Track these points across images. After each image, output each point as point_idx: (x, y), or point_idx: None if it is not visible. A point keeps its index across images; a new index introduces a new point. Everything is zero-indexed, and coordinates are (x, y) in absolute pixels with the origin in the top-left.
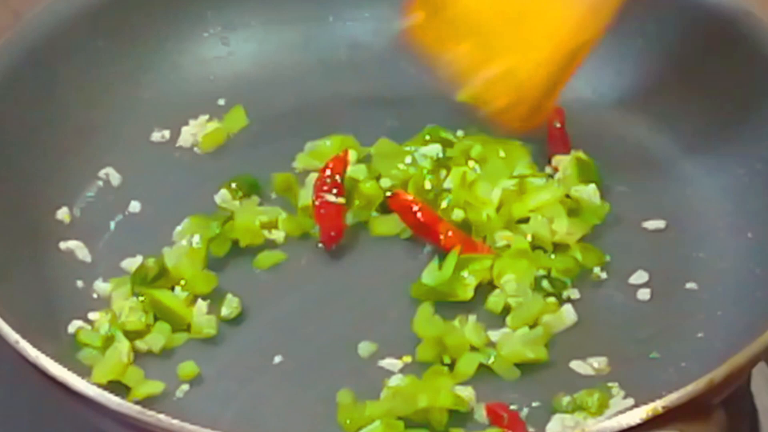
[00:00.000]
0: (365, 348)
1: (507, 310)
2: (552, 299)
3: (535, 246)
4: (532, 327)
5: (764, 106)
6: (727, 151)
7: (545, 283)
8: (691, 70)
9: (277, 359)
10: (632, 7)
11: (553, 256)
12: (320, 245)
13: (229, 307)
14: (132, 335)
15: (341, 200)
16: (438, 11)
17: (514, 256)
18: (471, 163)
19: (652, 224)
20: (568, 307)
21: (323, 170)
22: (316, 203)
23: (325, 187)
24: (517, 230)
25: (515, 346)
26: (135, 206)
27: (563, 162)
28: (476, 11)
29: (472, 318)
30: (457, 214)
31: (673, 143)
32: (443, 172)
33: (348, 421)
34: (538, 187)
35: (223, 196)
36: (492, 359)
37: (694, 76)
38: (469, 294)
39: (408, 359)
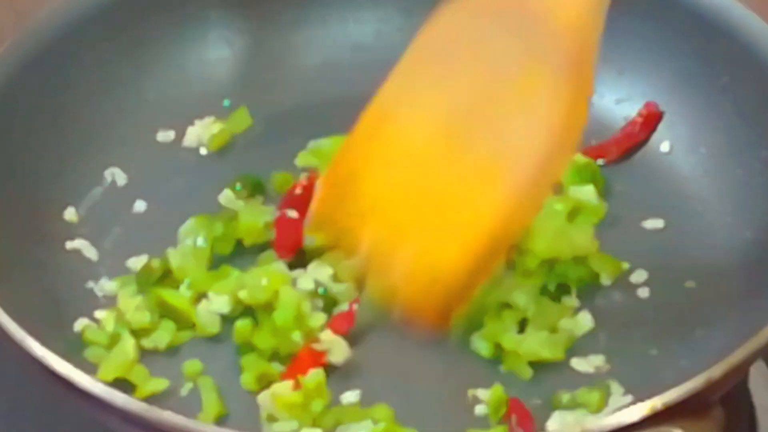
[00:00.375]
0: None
1: (523, 324)
2: (568, 303)
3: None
4: (552, 332)
5: (763, 106)
6: (726, 151)
7: (551, 287)
8: (690, 70)
9: None
10: (632, 7)
11: (568, 267)
12: None
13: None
14: (138, 333)
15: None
16: (346, 189)
17: (522, 275)
18: None
19: (651, 223)
20: (584, 314)
21: (293, 188)
22: (277, 215)
23: (289, 203)
24: (532, 250)
25: (533, 345)
26: (140, 206)
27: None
28: (390, 190)
29: None
30: None
31: (672, 143)
32: None
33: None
34: (540, 218)
35: (226, 195)
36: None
37: (694, 76)
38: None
39: None
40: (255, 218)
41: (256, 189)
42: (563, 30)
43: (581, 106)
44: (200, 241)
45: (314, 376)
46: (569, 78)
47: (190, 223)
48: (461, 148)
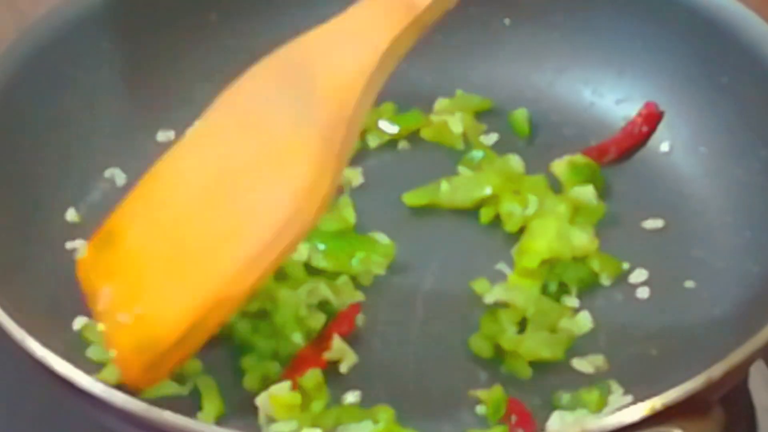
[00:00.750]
0: None
1: (522, 323)
2: (568, 304)
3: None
4: (552, 332)
5: (763, 106)
6: (726, 151)
7: (552, 287)
8: (690, 70)
9: None
10: (632, 7)
11: (568, 266)
12: None
13: None
14: None
15: None
16: (108, 245)
17: (522, 275)
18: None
19: (651, 223)
20: (584, 314)
21: None
22: None
23: None
24: (532, 250)
25: (533, 345)
26: None
27: (561, 166)
28: (137, 254)
29: None
30: None
31: (672, 143)
32: None
33: None
34: (540, 218)
35: None
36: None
37: (694, 76)
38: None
39: None
40: None
41: None
42: (325, 97)
43: (327, 177)
44: None
45: (312, 376)
46: (320, 145)
47: None
48: (209, 211)
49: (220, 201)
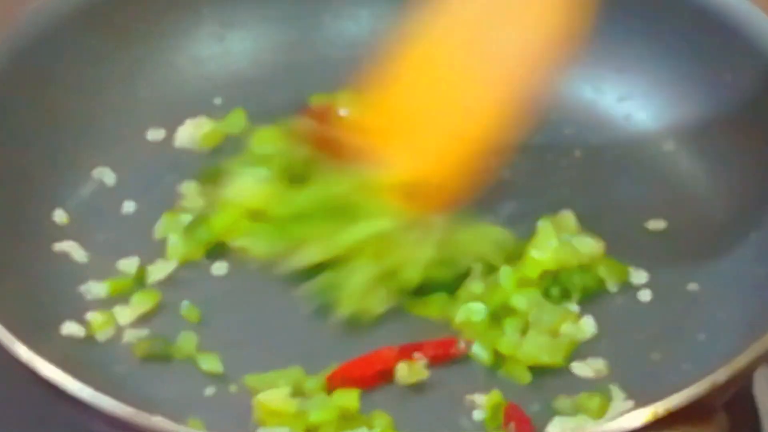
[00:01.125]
0: None
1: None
2: (570, 309)
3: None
4: (553, 337)
5: (765, 105)
6: (729, 150)
7: (553, 291)
8: (691, 68)
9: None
10: (633, 5)
11: (573, 274)
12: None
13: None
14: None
15: None
16: (381, 106)
17: (522, 284)
18: None
19: (652, 225)
20: (588, 319)
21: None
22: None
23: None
24: (534, 260)
25: (532, 350)
26: (130, 206)
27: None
28: (410, 105)
29: None
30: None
31: (674, 143)
32: None
33: None
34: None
35: (188, 187)
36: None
37: (695, 74)
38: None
39: None
40: (227, 215)
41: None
42: None
43: (576, 18)
44: (173, 240)
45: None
46: None
47: (162, 221)
48: (468, 52)
49: (474, 42)
